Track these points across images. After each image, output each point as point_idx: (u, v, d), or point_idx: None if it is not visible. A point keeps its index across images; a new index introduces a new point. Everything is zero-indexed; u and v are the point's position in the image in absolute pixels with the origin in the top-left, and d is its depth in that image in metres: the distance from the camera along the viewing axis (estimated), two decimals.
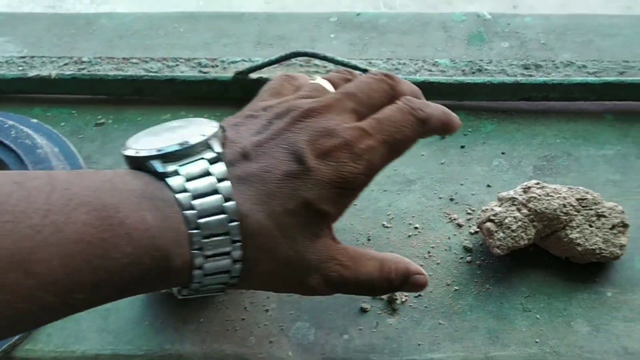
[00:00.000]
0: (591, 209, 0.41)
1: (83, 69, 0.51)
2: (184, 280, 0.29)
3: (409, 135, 0.33)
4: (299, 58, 0.50)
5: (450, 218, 0.44)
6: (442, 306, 0.40)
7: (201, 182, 0.29)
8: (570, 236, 0.40)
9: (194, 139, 0.30)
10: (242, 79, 0.49)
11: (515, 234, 0.39)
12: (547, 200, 0.40)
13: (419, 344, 0.39)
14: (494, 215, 0.40)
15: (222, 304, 0.41)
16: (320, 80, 0.36)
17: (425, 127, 0.34)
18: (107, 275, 0.26)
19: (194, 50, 0.55)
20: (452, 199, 0.45)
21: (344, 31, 0.56)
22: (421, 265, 0.41)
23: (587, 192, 0.41)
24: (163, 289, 0.31)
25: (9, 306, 0.24)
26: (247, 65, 0.49)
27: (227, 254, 0.29)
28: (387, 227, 0.44)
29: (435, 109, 0.35)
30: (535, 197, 0.40)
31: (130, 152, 0.30)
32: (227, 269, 0.30)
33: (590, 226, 0.40)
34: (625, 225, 0.41)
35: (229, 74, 0.49)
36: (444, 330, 0.39)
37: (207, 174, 0.29)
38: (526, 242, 0.40)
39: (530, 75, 0.48)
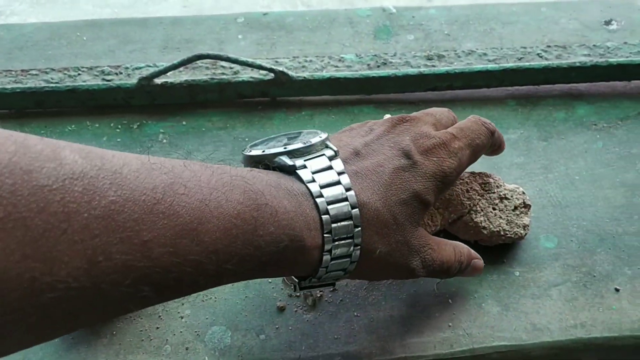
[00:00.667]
0: (494, 192, 0.42)
1: None
2: (311, 264, 0.32)
3: (485, 142, 0.39)
4: (206, 61, 0.49)
5: None
6: (356, 298, 0.41)
7: (325, 175, 0.33)
8: (475, 220, 0.41)
9: (314, 140, 0.34)
10: (147, 85, 0.48)
11: (422, 222, 0.40)
12: (463, 194, 0.41)
13: (336, 337, 0.39)
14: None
15: (135, 314, 0.40)
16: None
17: (494, 137, 0.40)
18: (253, 250, 0.29)
19: (98, 59, 0.53)
20: None
21: (251, 31, 0.55)
22: None
23: (489, 176, 0.42)
24: (293, 274, 0.34)
25: (180, 269, 0.27)
26: (152, 70, 0.48)
27: (351, 237, 0.32)
28: None
29: (494, 129, 0.40)
30: None
31: (256, 152, 0.34)
32: (349, 253, 0.33)
33: (494, 209, 0.42)
34: (527, 206, 0.42)
35: (134, 80, 0.48)
36: (360, 322, 0.40)
37: (328, 167, 0.33)
38: (433, 229, 0.41)
39: (434, 66, 0.49)
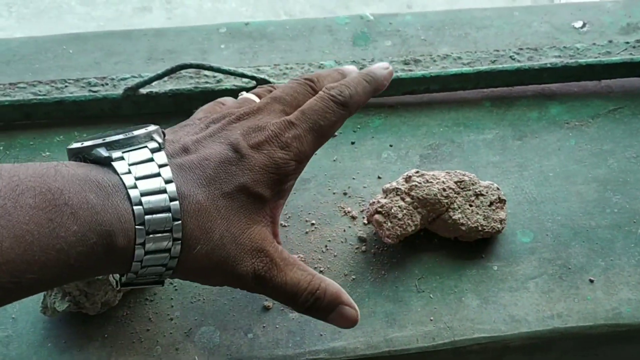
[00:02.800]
0: (469, 190, 0.43)
1: None
2: (127, 259, 0.31)
3: (333, 120, 0.36)
4: (189, 70, 0.51)
5: (344, 211, 0.46)
6: None
7: (144, 167, 0.31)
8: (454, 217, 0.43)
9: (137, 131, 0.33)
10: (133, 95, 0.49)
11: (402, 222, 0.42)
12: (427, 186, 0.42)
13: (321, 334, 0.40)
14: (380, 207, 0.42)
15: (126, 317, 0.41)
16: (247, 95, 0.40)
17: (347, 109, 0.37)
18: (56, 254, 0.27)
19: (84, 71, 0.54)
20: (345, 193, 0.47)
21: (233, 41, 0.57)
22: (319, 260, 0.43)
23: (464, 175, 0.44)
24: (110, 271, 0.32)
25: None
26: (137, 81, 0.49)
27: (169, 231, 0.31)
28: (285, 225, 0.45)
29: (355, 84, 0.38)
30: (416, 185, 0.42)
31: (75, 145, 0.32)
32: (167, 247, 0.31)
33: (471, 206, 0.43)
34: (502, 201, 0.44)
35: (120, 91, 0.50)
36: None
37: (149, 160, 0.31)
38: (413, 228, 0.42)
39: (410, 70, 0.51)
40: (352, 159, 0.49)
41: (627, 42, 0.53)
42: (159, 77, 0.48)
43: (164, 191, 0.31)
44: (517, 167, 0.48)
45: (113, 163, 0.31)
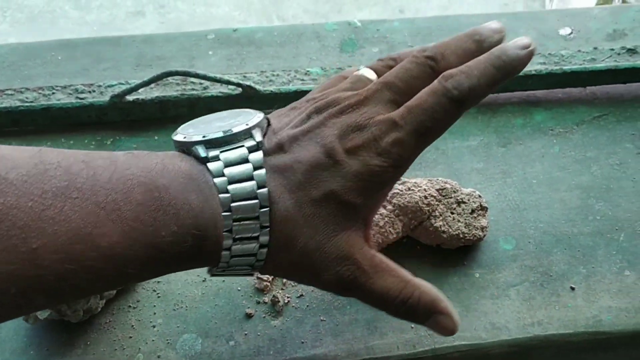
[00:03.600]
0: (451, 197, 0.44)
1: None
2: (213, 260, 0.31)
3: (444, 120, 0.32)
4: (176, 77, 0.51)
5: None
6: (323, 303, 0.42)
7: (238, 169, 0.31)
8: (435, 225, 0.43)
9: (237, 128, 0.32)
10: (119, 102, 0.49)
11: (383, 230, 0.42)
12: (409, 194, 0.43)
13: (303, 342, 0.41)
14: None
15: (108, 324, 0.41)
16: (364, 71, 0.36)
17: (463, 106, 0.32)
18: (156, 252, 0.28)
19: (73, 77, 0.55)
20: None
21: (221, 47, 0.57)
22: None
23: (445, 182, 0.44)
24: (194, 267, 0.33)
25: (75, 275, 0.26)
26: (124, 88, 0.50)
27: (255, 238, 0.31)
28: None
29: (481, 72, 0.31)
30: (397, 193, 0.42)
31: (179, 137, 0.33)
32: (253, 252, 0.31)
33: (452, 213, 0.43)
34: (483, 209, 0.44)
35: (106, 98, 0.50)
36: (326, 326, 0.41)
37: (245, 161, 0.31)
38: (395, 235, 0.42)
39: None
40: None
41: (612, 49, 0.53)
42: (145, 84, 0.49)
43: (255, 197, 0.31)
44: (501, 174, 0.49)
45: (208, 164, 0.31)
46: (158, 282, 0.43)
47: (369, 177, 0.32)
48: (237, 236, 0.31)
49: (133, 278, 0.30)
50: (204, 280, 0.43)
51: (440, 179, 0.44)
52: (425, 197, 0.43)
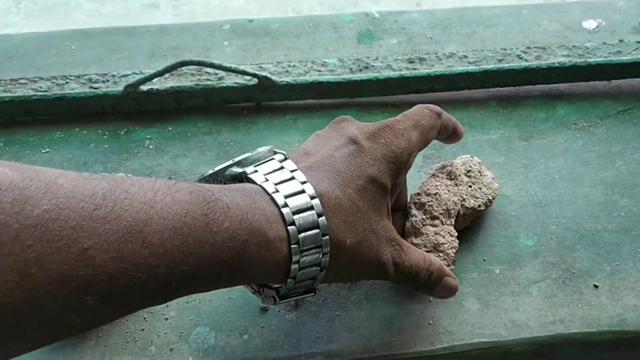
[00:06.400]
0: (462, 176, 0.43)
1: None
2: (281, 261, 0.31)
3: (431, 123, 0.38)
4: (191, 67, 0.50)
5: None
6: (338, 298, 0.41)
7: (278, 174, 0.33)
8: (470, 205, 0.42)
9: (261, 149, 0.35)
10: (133, 92, 0.49)
11: (447, 244, 0.41)
12: (437, 199, 0.41)
13: (318, 337, 0.40)
14: (433, 245, 0.40)
15: None
16: None
17: (441, 119, 0.39)
18: (210, 248, 0.28)
19: (87, 67, 0.54)
20: None
21: (237, 38, 0.56)
22: None
23: (448, 166, 0.43)
24: (264, 275, 0.32)
25: (127, 274, 0.26)
26: (138, 77, 0.49)
27: (316, 227, 0.32)
28: None
29: (449, 117, 0.41)
30: (430, 205, 0.41)
31: (207, 172, 0.34)
32: (318, 243, 0.32)
33: (470, 186, 0.43)
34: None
35: (120, 87, 0.49)
36: (342, 321, 0.40)
37: (281, 168, 0.33)
38: (457, 242, 0.41)
39: (415, 69, 0.50)
40: None
41: (639, 42, 0.52)
42: (159, 73, 0.48)
43: (302, 192, 0.32)
44: (522, 168, 0.47)
45: (250, 176, 0.33)
46: None
47: (394, 159, 0.35)
48: (300, 227, 0.31)
49: (191, 280, 0.29)
50: None
51: (436, 167, 0.44)
52: (448, 191, 0.42)
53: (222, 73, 0.50)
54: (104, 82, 0.50)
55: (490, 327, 0.40)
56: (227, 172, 0.33)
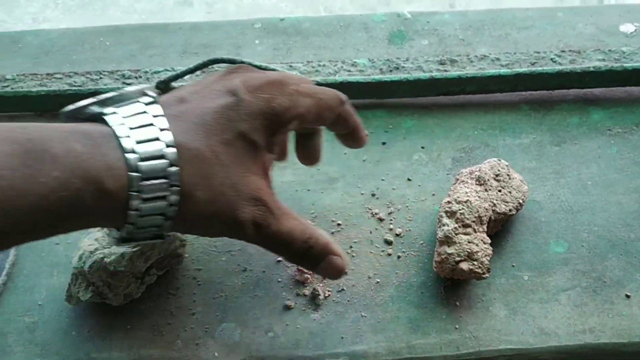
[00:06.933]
0: (491, 181, 0.42)
1: (7, 86, 0.51)
2: (121, 207, 0.30)
3: (330, 102, 0.36)
4: (221, 65, 0.50)
5: (372, 213, 0.45)
6: (364, 299, 0.41)
7: (137, 119, 0.31)
8: (501, 211, 0.42)
9: (129, 88, 0.33)
10: (165, 89, 0.49)
11: (481, 251, 0.40)
12: (467, 206, 0.40)
13: (343, 337, 0.40)
14: (460, 257, 0.39)
15: (148, 310, 0.41)
16: None
17: (342, 106, 0.37)
18: (35, 198, 0.28)
19: (120, 63, 0.55)
20: (373, 195, 0.46)
21: (268, 36, 0.57)
22: None
23: (477, 171, 0.43)
24: (103, 221, 0.32)
25: None
26: (170, 74, 0.49)
27: (166, 177, 0.30)
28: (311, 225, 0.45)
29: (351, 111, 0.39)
30: (462, 213, 0.40)
31: (69, 107, 0.32)
32: (164, 195, 0.31)
33: (500, 190, 0.42)
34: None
35: (152, 84, 0.50)
36: (367, 322, 0.40)
37: (143, 112, 0.31)
38: (490, 257, 0.40)
39: (446, 71, 0.50)
40: (382, 159, 0.48)
41: None
42: (190, 71, 0.48)
43: (157, 139, 0.30)
44: (554, 174, 0.47)
45: (105, 117, 0.31)
46: (199, 269, 0.42)
47: (271, 117, 0.33)
48: (145, 175, 0.30)
49: (15, 234, 0.29)
50: (244, 270, 0.42)
51: (464, 171, 0.44)
52: (479, 197, 0.41)
53: None
54: (136, 78, 0.51)
55: (517, 333, 0.40)
56: (87, 111, 0.32)
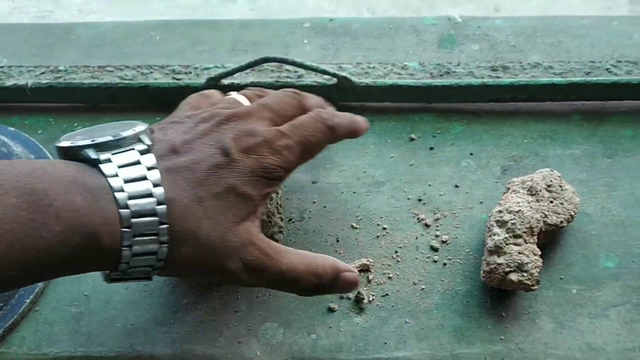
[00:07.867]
0: (543, 192, 0.42)
1: (59, 77, 0.51)
2: (113, 260, 0.31)
3: (320, 139, 0.38)
4: (271, 64, 0.51)
5: (418, 218, 0.45)
6: (408, 305, 0.41)
7: (132, 170, 0.32)
8: (552, 223, 0.41)
9: (126, 133, 0.33)
10: (215, 85, 0.49)
11: (531, 263, 0.39)
12: (519, 216, 0.40)
13: (386, 343, 0.39)
14: (510, 267, 0.39)
15: (192, 305, 0.41)
16: (235, 95, 0.41)
17: (334, 134, 0.39)
18: (38, 253, 0.29)
19: (169, 58, 0.55)
20: (420, 200, 0.45)
21: (317, 36, 0.56)
22: (388, 265, 0.42)
23: (529, 181, 0.42)
24: (94, 270, 0.33)
25: None
26: (220, 71, 0.50)
27: (155, 234, 0.31)
28: (356, 228, 0.44)
29: (343, 117, 0.40)
30: (513, 223, 0.40)
31: (65, 143, 0.33)
32: (154, 250, 0.32)
33: (551, 202, 0.41)
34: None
35: (202, 80, 0.50)
36: (410, 329, 0.40)
37: (137, 163, 0.32)
38: (540, 269, 0.40)
39: (498, 77, 0.49)
40: (429, 164, 0.47)
41: None
42: (241, 68, 0.49)
43: (151, 195, 0.31)
44: (605, 186, 0.46)
45: (101, 165, 0.31)
46: None
47: (263, 173, 0.35)
48: (136, 231, 0.31)
49: (20, 281, 0.30)
50: None
51: (515, 180, 0.43)
52: (531, 208, 0.40)
53: (301, 71, 0.50)
54: (186, 73, 0.51)
55: (564, 348, 0.39)
56: (82, 153, 0.32)
